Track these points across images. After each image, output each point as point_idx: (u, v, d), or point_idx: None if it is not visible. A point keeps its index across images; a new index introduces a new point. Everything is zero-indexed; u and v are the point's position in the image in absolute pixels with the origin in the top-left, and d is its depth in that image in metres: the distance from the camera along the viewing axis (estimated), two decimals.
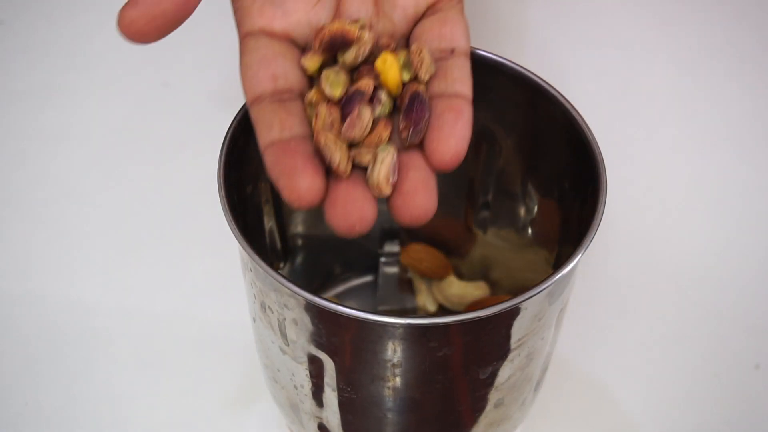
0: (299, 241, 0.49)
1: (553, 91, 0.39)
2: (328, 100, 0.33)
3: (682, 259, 0.56)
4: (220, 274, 0.53)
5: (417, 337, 0.33)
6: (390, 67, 0.33)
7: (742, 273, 0.56)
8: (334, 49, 0.34)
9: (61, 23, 0.68)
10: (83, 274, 0.55)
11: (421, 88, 0.33)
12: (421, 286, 0.52)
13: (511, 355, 0.36)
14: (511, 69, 0.40)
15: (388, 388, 0.36)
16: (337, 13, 0.35)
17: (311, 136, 0.33)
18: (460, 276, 0.52)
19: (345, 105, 0.33)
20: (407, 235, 0.51)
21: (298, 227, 0.48)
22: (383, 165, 0.31)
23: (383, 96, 0.34)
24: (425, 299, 0.52)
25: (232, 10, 0.35)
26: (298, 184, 0.31)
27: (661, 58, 0.68)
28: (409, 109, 0.33)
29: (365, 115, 0.32)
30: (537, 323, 0.36)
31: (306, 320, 0.34)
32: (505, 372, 0.37)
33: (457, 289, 0.51)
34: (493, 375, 0.37)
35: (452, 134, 0.32)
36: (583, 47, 0.68)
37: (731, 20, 0.70)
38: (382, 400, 0.37)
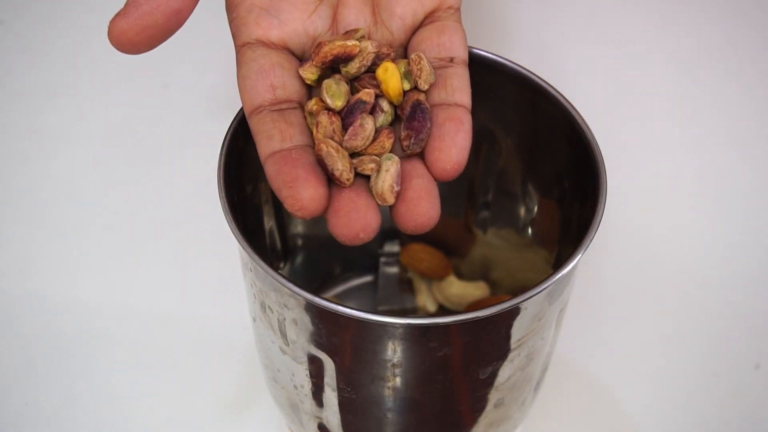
0: (299, 241, 0.49)
1: (553, 91, 0.39)
2: (329, 110, 0.33)
3: (682, 259, 0.56)
4: (220, 274, 0.53)
5: (417, 337, 0.33)
6: (391, 76, 0.33)
7: (743, 273, 0.56)
8: (336, 65, 0.34)
9: (61, 23, 0.68)
10: (83, 275, 0.55)
11: (422, 97, 0.34)
12: (421, 286, 0.52)
13: (511, 355, 0.36)
14: (511, 69, 0.40)
15: (388, 388, 0.36)
16: (333, 22, 0.35)
17: (312, 145, 0.33)
18: (460, 276, 0.52)
19: (347, 115, 0.33)
20: (407, 235, 0.51)
21: (298, 227, 0.48)
22: (388, 174, 0.31)
23: (385, 105, 0.34)
24: (425, 299, 0.52)
25: (227, 20, 0.35)
26: (301, 194, 0.31)
27: (661, 58, 0.68)
28: (411, 119, 0.33)
29: (368, 124, 0.32)
30: (537, 323, 0.36)
31: (306, 320, 0.34)
32: (505, 372, 0.37)
33: (457, 289, 0.51)
34: (493, 375, 0.37)
35: (454, 144, 0.32)
36: (583, 47, 0.68)
37: (731, 20, 0.70)
38: (382, 400, 0.37)
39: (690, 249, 0.57)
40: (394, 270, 0.52)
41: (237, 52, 0.35)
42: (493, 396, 0.38)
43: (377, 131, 0.33)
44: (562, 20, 0.70)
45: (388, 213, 0.33)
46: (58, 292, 0.54)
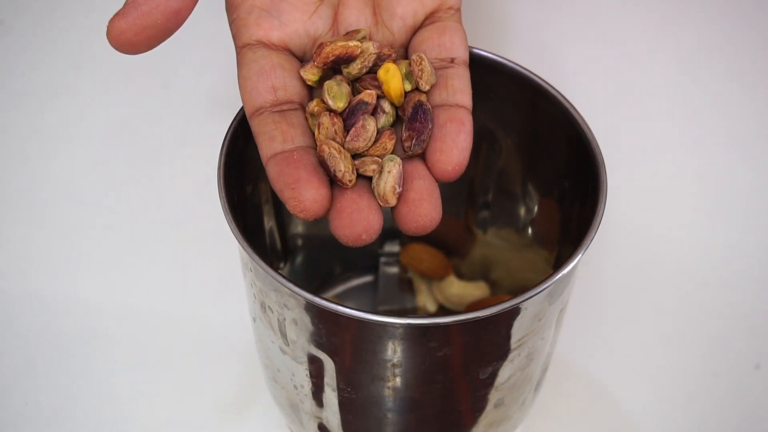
0: (299, 241, 0.49)
1: (553, 91, 0.39)
2: (330, 111, 0.33)
3: (683, 259, 0.56)
4: (220, 274, 0.53)
5: (417, 337, 0.33)
6: (393, 77, 0.33)
7: (743, 273, 0.56)
8: (337, 65, 0.34)
9: (61, 23, 0.68)
10: (83, 275, 0.55)
11: (424, 98, 0.34)
12: (421, 286, 0.52)
13: (511, 355, 0.36)
14: (511, 69, 0.40)
15: (388, 388, 0.36)
16: (334, 22, 0.35)
17: (314, 146, 0.33)
18: (460, 276, 0.52)
19: (348, 116, 0.33)
20: (407, 235, 0.51)
21: (298, 227, 0.48)
22: (390, 175, 0.31)
23: (386, 106, 0.34)
24: (425, 299, 0.52)
25: (228, 21, 0.35)
26: (303, 195, 0.31)
27: (661, 58, 0.68)
28: (413, 120, 0.33)
29: (370, 125, 0.32)
30: (537, 323, 0.36)
31: (306, 320, 0.34)
32: (505, 372, 0.37)
33: (457, 289, 0.51)
34: (493, 375, 0.37)
35: (455, 145, 0.32)
36: (583, 47, 0.68)
37: (731, 20, 0.70)
38: (382, 400, 0.37)
39: (690, 249, 0.57)
40: (394, 270, 0.52)
41: (237, 53, 0.35)
42: (493, 396, 0.38)
43: (379, 132, 0.33)
44: (562, 20, 0.70)
45: (389, 213, 0.33)
46: (58, 292, 0.54)
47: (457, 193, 0.48)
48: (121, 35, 0.32)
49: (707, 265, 0.56)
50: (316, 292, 0.32)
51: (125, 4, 0.33)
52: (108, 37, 0.33)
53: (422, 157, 0.33)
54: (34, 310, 0.53)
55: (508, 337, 0.35)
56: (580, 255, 0.34)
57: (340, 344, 0.35)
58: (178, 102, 0.64)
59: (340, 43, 0.33)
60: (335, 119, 0.33)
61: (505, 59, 0.40)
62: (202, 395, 0.50)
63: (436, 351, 0.34)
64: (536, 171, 0.44)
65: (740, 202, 0.60)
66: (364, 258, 0.52)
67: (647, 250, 0.57)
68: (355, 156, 0.33)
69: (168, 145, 0.61)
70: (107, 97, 0.64)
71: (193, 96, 0.64)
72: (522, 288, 0.33)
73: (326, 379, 0.37)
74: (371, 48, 0.34)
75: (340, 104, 0.33)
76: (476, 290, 0.51)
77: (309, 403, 0.39)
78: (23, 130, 0.62)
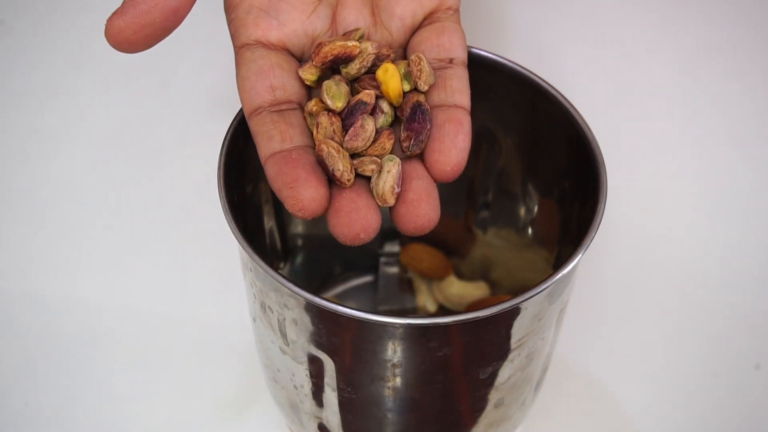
0: (299, 241, 0.49)
1: (553, 91, 0.39)
2: (329, 110, 0.33)
3: (683, 259, 0.56)
4: (220, 274, 0.53)
5: (417, 337, 0.33)
6: (391, 77, 0.33)
7: (743, 273, 0.56)
8: (336, 65, 0.34)
9: (61, 23, 0.68)
10: (83, 275, 0.55)
11: (422, 98, 0.34)
12: (421, 286, 0.52)
13: (511, 355, 0.36)
14: (511, 69, 0.40)
15: (388, 388, 0.36)
16: (333, 22, 0.35)
17: (312, 146, 0.33)
18: (460, 276, 0.52)
19: (347, 116, 0.33)
20: (406, 235, 0.51)
21: (298, 227, 0.48)
22: (389, 175, 0.31)
23: (385, 106, 0.34)
24: (425, 299, 0.52)
25: (226, 21, 0.35)
26: (302, 194, 0.31)
27: (661, 58, 0.68)
28: (412, 120, 0.33)
29: (368, 125, 0.32)
30: (537, 323, 0.36)
31: (306, 320, 0.34)
32: (505, 372, 0.37)
33: (457, 289, 0.51)
34: (493, 375, 0.37)
35: (453, 146, 0.32)
36: (583, 47, 0.68)
37: (731, 20, 0.70)
38: (382, 400, 0.37)
39: (690, 249, 0.57)
40: (394, 270, 0.52)
41: (236, 53, 0.35)
42: (493, 396, 0.38)
43: (377, 132, 0.33)
44: (562, 20, 0.70)
45: (388, 213, 0.33)
46: (58, 292, 0.54)
47: (456, 193, 0.48)
48: (119, 34, 0.32)
49: (707, 265, 0.56)
50: (316, 292, 0.32)
51: (123, 3, 0.33)
52: (106, 36, 0.33)
53: (420, 157, 0.33)
54: (34, 310, 0.53)
55: (508, 337, 0.35)
56: (580, 255, 0.34)
57: (340, 344, 0.35)
58: (178, 102, 0.64)
59: (338, 43, 0.33)
60: (334, 119, 0.33)
61: (505, 59, 0.40)
62: (202, 395, 0.50)
63: (436, 351, 0.34)
64: (536, 171, 0.44)
65: (740, 202, 0.60)
66: (364, 258, 0.52)
67: (647, 250, 0.57)
68: (354, 156, 0.33)
69: (168, 145, 0.61)
70: (107, 97, 0.64)
71: (193, 96, 0.64)
72: (522, 288, 0.33)
73: (326, 379, 0.37)
74: (370, 48, 0.34)
75: (338, 104, 0.33)
76: (476, 290, 0.51)
77: (309, 403, 0.39)
78: (23, 130, 0.62)
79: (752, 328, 0.53)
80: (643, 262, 0.56)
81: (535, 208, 0.45)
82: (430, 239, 0.51)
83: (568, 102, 0.39)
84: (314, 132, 0.33)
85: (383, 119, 0.34)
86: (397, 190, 0.32)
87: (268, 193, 0.43)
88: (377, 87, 0.34)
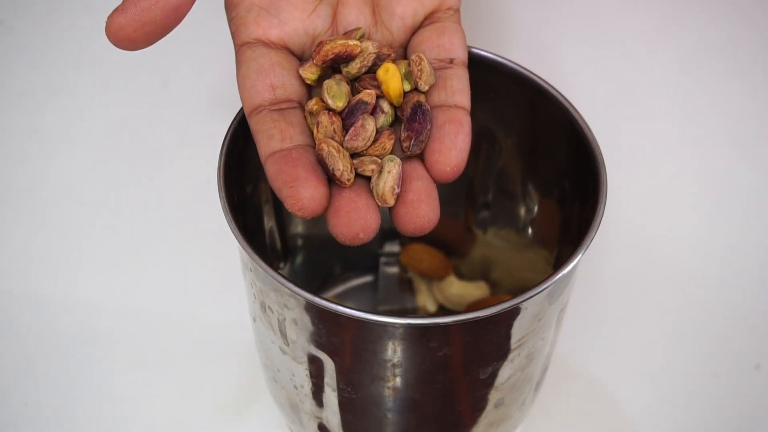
0: (299, 241, 0.49)
1: (553, 91, 0.39)
2: (330, 110, 0.33)
3: (683, 259, 0.56)
4: (220, 274, 0.53)
5: (417, 337, 0.33)
6: (392, 77, 0.33)
7: (743, 273, 0.56)
8: (336, 64, 0.34)
9: (61, 23, 0.68)
10: (83, 274, 0.55)
11: (422, 98, 0.34)
12: (421, 286, 0.52)
13: (511, 355, 0.36)
14: (511, 69, 0.40)
15: (388, 388, 0.36)
16: (333, 21, 0.35)
17: (312, 145, 0.33)
18: (460, 276, 0.52)
19: (348, 115, 0.33)
20: (405, 236, 0.51)
21: (298, 227, 0.48)
22: (390, 175, 0.31)
23: (385, 106, 0.34)
24: (425, 299, 0.52)
25: (227, 20, 0.35)
26: (301, 194, 0.31)
27: (661, 58, 0.68)
28: (412, 120, 0.33)
29: (369, 125, 0.32)
30: (537, 323, 0.36)
31: (306, 320, 0.34)
32: (505, 372, 0.37)
33: (457, 289, 0.51)
34: (493, 375, 0.37)
35: (453, 147, 0.32)
36: (583, 47, 0.68)
37: (731, 20, 0.70)
38: (382, 400, 0.37)
39: (690, 249, 0.57)
40: (394, 270, 0.52)
41: (236, 52, 0.35)
42: (493, 396, 0.38)
43: (378, 132, 0.33)
44: (562, 20, 0.70)
45: (388, 213, 0.33)
46: (58, 292, 0.54)
47: (456, 193, 0.48)
48: (119, 31, 0.32)
49: (707, 265, 0.56)
50: (316, 292, 0.32)
51: (124, 0, 0.33)
52: (107, 33, 0.33)
53: (420, 157, 0.33)
54: (34, 310, 0.53)
55: (508, 337, 0.35)
56: (580, 255, 0.34)
57: (340, 344, 0.35)
58: (178, 101, 0.64)
59: (339, 42, 0.33)
60: (334, 118, 0.33)
61: (505, 59, 0.40)
62: (202, 395, 0.50)
63: (436, 351, 0.34)
64: (536, 171, 0.44)
65: (740, 202, 0.60)
66: (364, 258, 0.52)
67: (647, 250, 0.57)
68: (354, 155, 0.33)
69: (168, 145, 0.61)
70: (107, 97, 0.64)
71: (193, 96, 0.64)
72: (522, 288, 0.33)
73: (326, 379, 0.37)
74: (370, 47, 0.34)
75: (339, 104, 0.33)
76: (476, 290, 0.51)
77: (309, 403, 0.39)
78: (23, 130, 0.62)
79: (752, 328, 0.53)
80: (643, 262, 0.56)
81: (535, 208, 0.45)
82: (430, 239, 0.51)
83: (568, 102, 0.39)
84: (314, 131, 0.33)
85: (383, 119, 0.34)
86: (397, 190, 0.32)
87: (268, 193, 0.43)
88: (378, 86, 0.34)
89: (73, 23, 0.68)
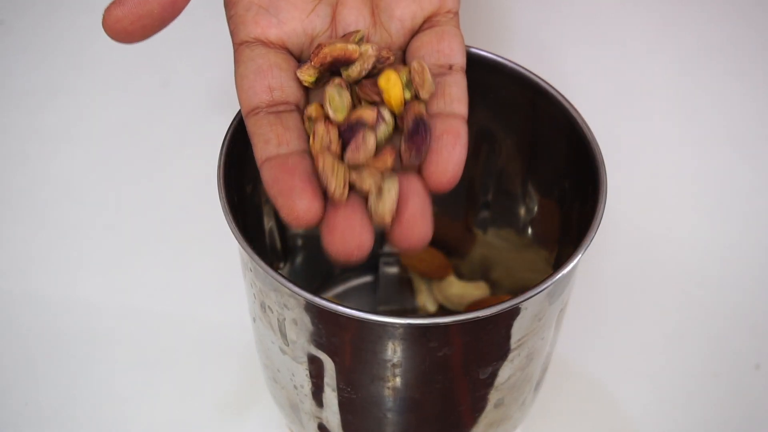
0: (299, 241, 0.49)
1: (553, 91, 0.39)
2: (327, 118, 0.33)
3: (683, 259, 0.56)
4: (220, 274, 0.53)
5: (417, 337, 0.33)
6: (394, 86, 0.33)
7: (743, 273, 0.56)
8: (334, 67, 0.34)
9: (61, 23, 0.68)
10: (83, 274, 0.55)
11: (423, 108, 0.33)
12: (421, 286, 0.52)
13: (511, 355, 0.36)
14: (511, 69, 0.40)
15: (388, 388, 0.36)
16: (332, 21, 0.35)
17: (309, 151, 0.33)
18: (460, 276, 0.52)
19: (346, 131, 0.33)
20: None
21: None
22: (389, 196, 0.31)
23: (386, 114, 0.34)
24: (425, 299, 0.52)
25: (226, 18, 0.35)
26: (297, 204, 0.30)
27: (661, 58, 0.68)
28: (413, 133, 0.33)
29: (370, 140, 0.32)
30: (537, 323, 0.36)
31: (306, 320, 0.34)
32: (505, 372, 0.37)
33: (457, 289, 0.51)
34: (493, 375, 0.37)
35: (450, 159, 0.32)
36: (583, 47, 0.68)
37: (731, 20, 0.70)
38: (382, 400, 0.37)
39: (690, 249, 0.57)
40: (394, 270, 0.52)
41: (235, 51, 0.34)
42: (493, 396, 0.38)
43: (379, 147, 0.33)
44: (562, 20, 0.70)
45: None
46: (58, 292, 0.54)
47: (456, 193, 0.47)
48: (116, 23, 0.32)
49: (707, 265, 0.56)
50: (316, 292, 0.32)
51: None
52: (104, 25, 0.33)
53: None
54: (34, 310, 0.53)
55: (508, 337, 0.35)
56: (580, 255, 0.34)
57: (340, 344, 0.35)
58: (178, 101, 0.64)
59: (338, 45, 0.33)
60: (330, 128, 0.33)
61: (505, 59, 0.40)
62: (202, 395, 0.50)
63: (436, 351, 0.34)
64: (536, 171, 0.44)
65: (740, 202, 0.59)
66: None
67: (647, 250, 0.57)
68: (353, 168, 0.32)
69: (168, 145, 0.61)
70: (107, 97, 0.64)
71: (193, 95, 0.64)
72: (522, 288, 0.33)
73: (326, 379, 0.37)
74: (370, 50, 0.34)
75: (340, 116, 0.33)
76: (476, 290, 0.51)
77: (309, 403, 0.39)
78: (23, 130, 0.62)
79: (752, 328, 0.53)
80: (643, 262, 0.56)
81: (535, 208, 0.45)
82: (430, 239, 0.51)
83: (568, 102, 0.39)
84: (311, 140, 0.33)
85: (384, 128, 0.34)
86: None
87: None
88: (378, 94, 0.34)
89: (73, 23, 0.68)
